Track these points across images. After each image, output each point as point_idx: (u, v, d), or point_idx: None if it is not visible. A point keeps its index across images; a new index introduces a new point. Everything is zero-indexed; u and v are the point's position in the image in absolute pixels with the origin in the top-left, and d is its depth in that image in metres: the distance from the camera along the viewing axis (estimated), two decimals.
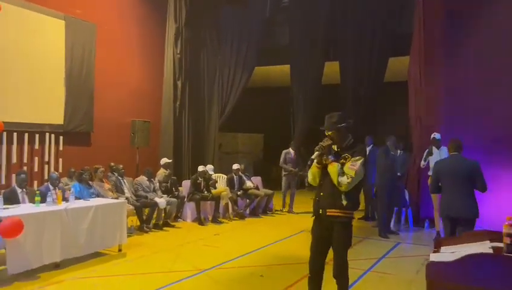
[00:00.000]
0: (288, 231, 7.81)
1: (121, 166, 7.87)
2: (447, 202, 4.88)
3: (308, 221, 7.26)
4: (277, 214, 9.86)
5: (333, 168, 3.48)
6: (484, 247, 2.74)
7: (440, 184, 4.96)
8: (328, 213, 3.54)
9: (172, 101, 11.04)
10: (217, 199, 8.77)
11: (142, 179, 8.08)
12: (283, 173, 10.04)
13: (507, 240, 2.55)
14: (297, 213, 9.84)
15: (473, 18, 8.17)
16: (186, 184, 9.07)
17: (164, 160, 9.01)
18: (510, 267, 2.36)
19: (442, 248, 2.96)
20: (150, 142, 9.82)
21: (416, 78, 8.73)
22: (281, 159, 9.98)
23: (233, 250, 6.40)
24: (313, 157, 3.53)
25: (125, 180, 7.86)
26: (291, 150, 10.09)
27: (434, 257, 2.71)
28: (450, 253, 2.69)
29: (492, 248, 2.71)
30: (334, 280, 3.63)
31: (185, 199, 8.66)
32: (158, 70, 11.14)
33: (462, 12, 8.26)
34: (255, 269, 5.53)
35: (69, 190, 6.16)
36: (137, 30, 10.60)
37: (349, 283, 3.75)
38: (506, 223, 2.61)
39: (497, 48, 7.87)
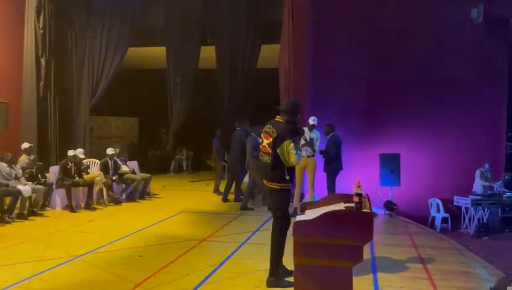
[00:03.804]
0: (166, 213, 7.85)
1: None
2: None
3: (190, 202, 7.42)
4: (155, 197, 9.78)
5: None
6: (339, 207, 3.24)
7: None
8: None
9: (35, 80, 10.09)
10: (90, 184, 8.36)
11: (2, 165, 7.31)
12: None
13: (356, 199, 3.07)
14: None
15: (339, 9, 8.84)
16: (54, 170, 8.46)
17: (25, 145, 8.29)
18: (357, 220, 2.86)
19: (306, 211, 3.41)
20: (9, 125, 8.85)
21: (286, 66, 9.36)
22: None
23: (109, 234, 6.23)
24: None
25: None
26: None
27: (299, 218, 3.13)
28: (312, 214, 3.12)
29: (345, 207, 3.23)
30: None
31: (54, 186, 8.09)
32: (17, 46, 10.04)
33: (329, 3, 8.95)
34: (133, 251, 5.50)
35: None
36: None
37: (228, 254, 4.57)
38: (356, 185, 3.13)
39: (364, 39, 8.69)
